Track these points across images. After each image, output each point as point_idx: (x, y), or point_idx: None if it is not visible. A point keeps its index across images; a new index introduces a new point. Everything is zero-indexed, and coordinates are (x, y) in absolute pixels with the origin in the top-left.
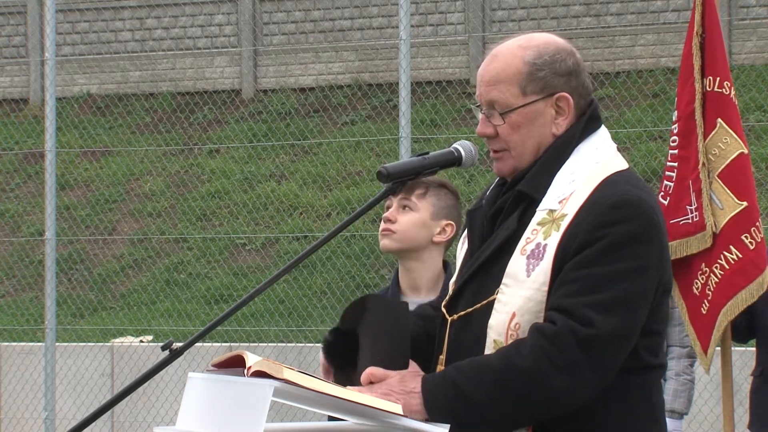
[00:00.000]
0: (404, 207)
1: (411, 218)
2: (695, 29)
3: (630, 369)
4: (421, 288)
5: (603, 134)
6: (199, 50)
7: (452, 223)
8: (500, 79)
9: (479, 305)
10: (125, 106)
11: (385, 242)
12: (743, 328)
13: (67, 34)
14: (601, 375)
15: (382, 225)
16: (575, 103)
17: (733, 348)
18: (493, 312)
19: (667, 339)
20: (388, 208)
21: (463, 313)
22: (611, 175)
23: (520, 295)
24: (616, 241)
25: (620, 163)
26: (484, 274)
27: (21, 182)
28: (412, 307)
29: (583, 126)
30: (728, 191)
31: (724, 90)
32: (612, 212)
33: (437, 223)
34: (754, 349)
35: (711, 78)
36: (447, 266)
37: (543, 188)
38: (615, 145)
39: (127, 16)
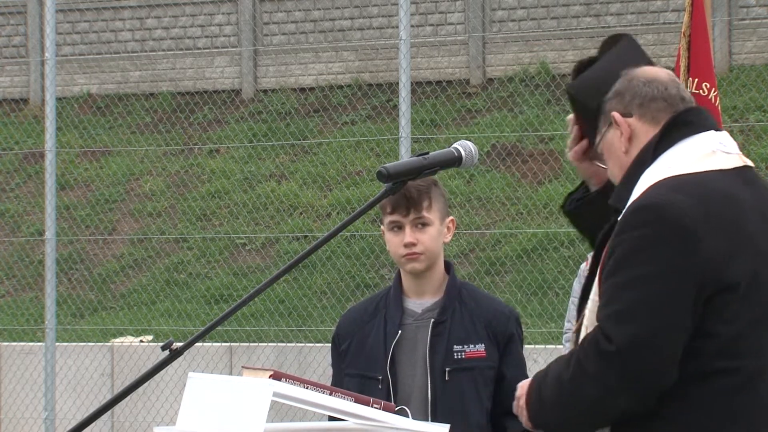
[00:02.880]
0: (420, 225)
1: (430, 234)
2: (683, 30)
3: (692, 375)
4: (426, 292)
5: (699, 139)
6: (199, 50)
7: (453, 218)
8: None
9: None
10: (125, 106)
11: (414, 266)
12: None
13: (67, 34)
14: (633, 383)
15: (404, 250)
16: (639, 116)
17: None
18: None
19: None
20: (395, 224)
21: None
22: (666, 178)
23: (590, 308)
24: (630, 248)
25: (697, 166)
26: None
27: (21, 182)
28: (418, 310)
29: (661, 134)
30: None
31: (701, 91)
32: (629, 218)
33: (444, 225)
34: None
35: (691, 79)
36: (449, 267)
37: (625, 199)
38: (718, 147)
39: (127, 16)
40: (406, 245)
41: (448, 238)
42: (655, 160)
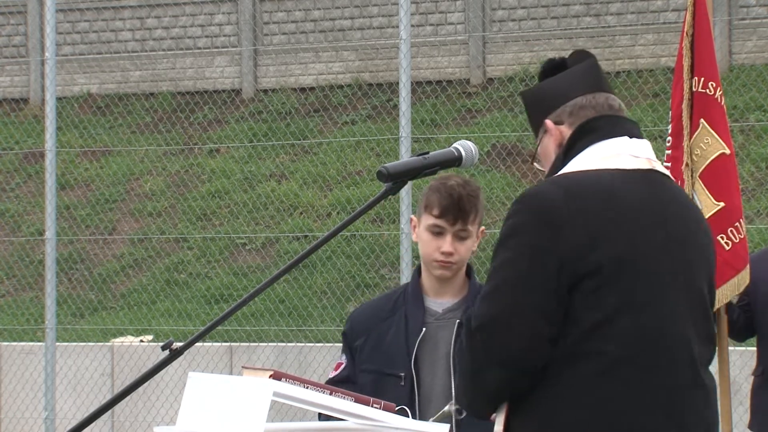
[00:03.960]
0: (461, 236)
1: (467, 246)
2: (686, 29)
3: (560, 358)
4: (447, 293)
5: (607, 143)
6: (200, 50)
7: (484, 227)
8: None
9: None
10: (125, 106)
11: (444, 273)
12: (741, 326)
13: (67, 33)
14: (493, 359)
15: (440, 257)
16: (569, 123)
17: (733, 348)
18: None
19: None
20: (437, 228)
21: None
22: (554, 176)
23: None
24: (502, 235)
25: (590, 165)
26: None
27: (21, 182)
28: (438, 309)
29: (570, 141)
30: (707, 192)
31: (708, 90)
32: (509, 209)
33: (478, 232)
34: (754, 348)
35: (697, 78)
36: (470, 270)
37: None
38: (625, 151)
39: (127, 16)
40: (444, 253)
41: (476, 246)
42: (564, 165)
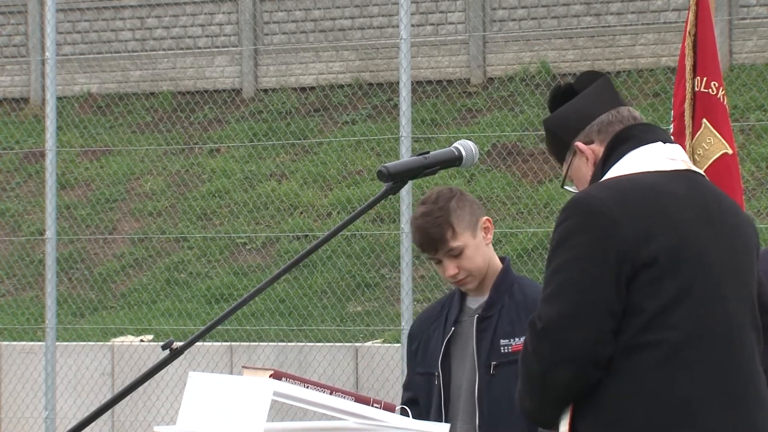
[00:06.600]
0: (454, 255)
1: (467, 256)
2: (688, 29)
3: (623, 348)
4: (485, 289)
5: (643, 149)
6: (200, 50)
7: (487, 218)
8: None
9: None
10: (126, 106)
11: (467, 288)
12: None
13: (67, 33)
14: (564, 355)
15: (452, 279)
16: (600, 141)
17: None
18: None
19: None
20: (433, 259)
21: None
22: (598, 182)
23: None
24: (556, 240)
25: (631, 170)
26: None
27: (21, 181)
28: (474, 306)
29: (607, 152)
30: None
31: (710, 90)
32: (559, 215)
33: (479, 230)
34: None
35: (700, 78)
36: (503, 260)
37: None
38: (661, 155)
39: (127, 16)
40: (451, 277)
41: (489, 237)
42: (604, 175)
